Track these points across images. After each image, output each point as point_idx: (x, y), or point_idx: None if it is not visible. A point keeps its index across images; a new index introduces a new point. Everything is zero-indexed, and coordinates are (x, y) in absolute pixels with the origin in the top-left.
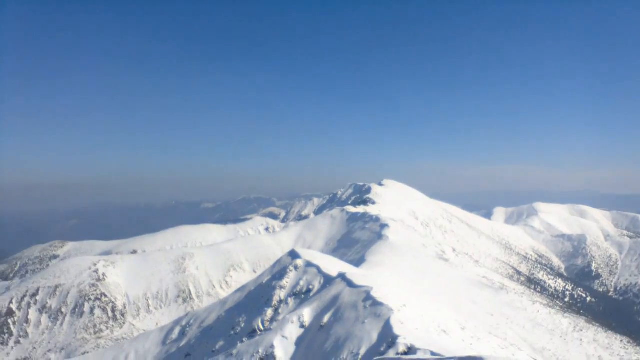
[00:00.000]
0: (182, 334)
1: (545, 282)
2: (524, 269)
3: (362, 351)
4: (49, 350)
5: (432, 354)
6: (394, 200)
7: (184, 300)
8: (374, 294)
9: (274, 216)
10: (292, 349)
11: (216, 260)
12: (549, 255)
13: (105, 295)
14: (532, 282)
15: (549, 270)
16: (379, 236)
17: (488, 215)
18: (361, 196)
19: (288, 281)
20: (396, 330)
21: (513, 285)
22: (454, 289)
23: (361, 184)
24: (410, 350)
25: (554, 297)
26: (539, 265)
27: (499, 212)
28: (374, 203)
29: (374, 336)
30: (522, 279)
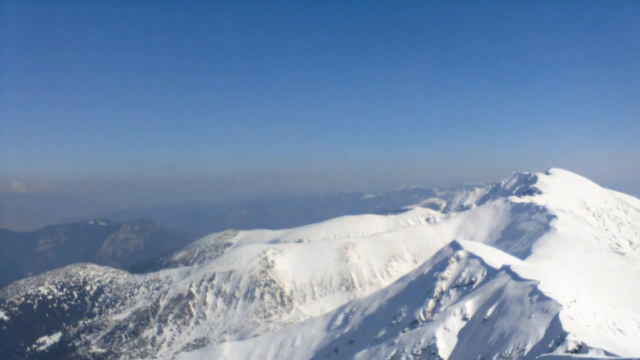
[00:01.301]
0: (346, 321)
1: None
2: None
3: (528, 347)
4: (224, 332)
5: (606, 353)
6: (562, 190)
7: (347, 289)
8: (541, 288)
9: (434, 207)
10: (454, 341)
11: (377, 250)
12: None
13: (274, 282)
14: None
15: None
16: (546, 227)
17: None
18: (526, 186)
19: (450, 272)
20: (565, 326)
21: None
22: (632, 285)
23: (526, 173)
24: (581, 348)
25: None
26: None
27: None
28: (540, 193)
29: (541, 332)
30: None
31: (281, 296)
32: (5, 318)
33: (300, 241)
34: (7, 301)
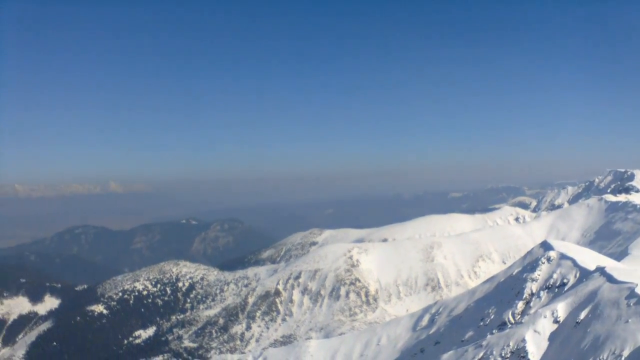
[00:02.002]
0: (432, 321)
1: None
2: None
3: (625, 353)
4: (310, 329)
5: None
6: None
7: (433, 289)
8: (639, 291)
9: (524, 205)
10: (544, 344)
11: (464, 250)
12: None
13: (359, 281)
14: None
15: None
16: None
17: None
18: (622, 183)
19: (540, 274)
20: None
21: None
22: None
23: (622, 170)
24: None
25: None
26: None
27: None
28: (637, 191)
29: None
30: None
31: (366, 295)
32: (105, 312)
33: (385, 240)
34: (106, 296)
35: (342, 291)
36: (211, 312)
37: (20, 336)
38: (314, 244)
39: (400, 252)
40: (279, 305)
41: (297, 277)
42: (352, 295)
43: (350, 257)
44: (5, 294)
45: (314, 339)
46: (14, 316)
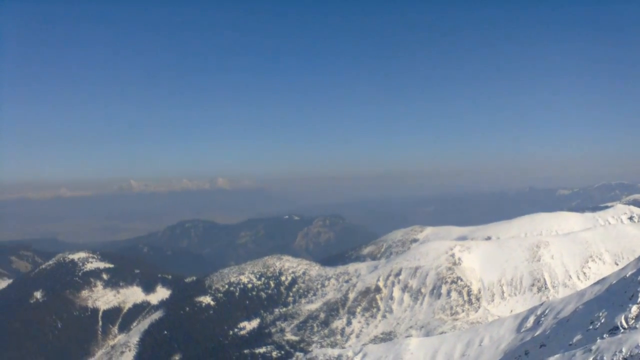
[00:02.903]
0: (537, 323)
1: None
2: None
3: None
4: (410, 327)
5: None
6: None
7: (539, 289)
8: None
9: (639, 204)
10: None
11: (573, 250)
12: None
13: (461, 279)
14: None
15: None
16: None
17: None
18: None
19: None
20: None
21: None
22: None
23: None
24: None
25: None
26: None
27: None
28: None
29: None
30: None
31: (468, 294)
32: (212, 303)
33: (488, 239)
34: (213, 287)
35: (444, 289)
36: (312, 307)
37: (134, 324)
38: (414, 241)
39: (505, 251)
40: (379, 302)
41: (398, 274)
42: (454, 294)
43: (452, 255)
44: (121, 284)
45: (414, 337)
46: (129, 305)
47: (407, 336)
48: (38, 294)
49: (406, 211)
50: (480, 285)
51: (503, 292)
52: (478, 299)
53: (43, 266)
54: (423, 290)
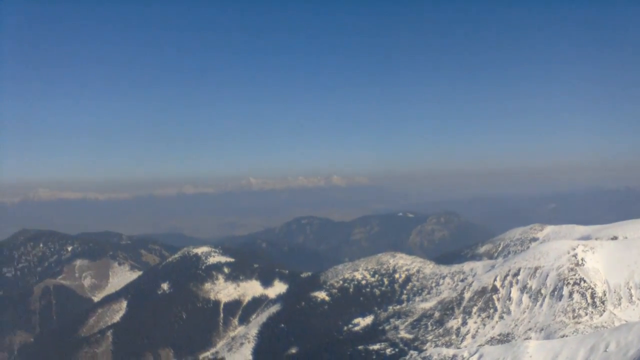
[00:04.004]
0: None
1: None
2: None
3: None
4: (529, 329)
5: None
6: None
7: None
8: None
9: None
10: None
11: None
12: None
13: (584, 281)
14: None
15: None
16: None
17: None
18: None
19: None
20: None
21: None
22: None
23: None
24: None
25: None
26: None
27: None
28: None
29: None
30: None
31: (592, 297)
32: (327, 298)
33: (614, 238)
34: (328, 283)
35: (565, 291)
36: (427, 305)
37: (253, 316)
38: (534, 240)
39: (634, 251)
40: (496, 302)
41: (516, 274)
42: (576, 296)
43: (575, 256)
44: (241, 278)
45: (534, 340)
46: (248, 298)
47: (526, 338)
48: (165, 286)
49: (525, 209)
50: (605, 287)
51: (631, 296)
52: (603, 302)
53: (169, 259)
54: (543, 291)
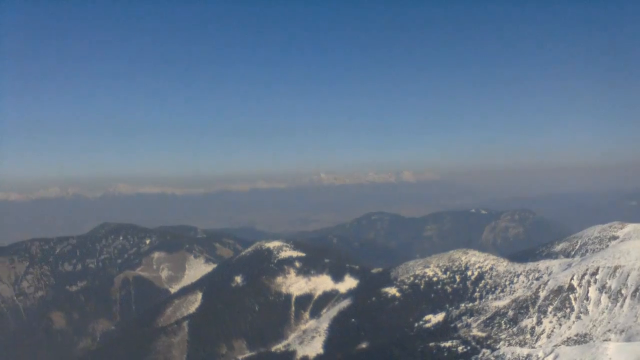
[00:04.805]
0: None
1: None
2: None
3: None
4: (608, 330)
5: None
6: None
7: None
8: None
9: None
10: None
11: None
12: None
13: None
14: None
15: None
16: None
17: None
18: None
19: None
20: None
21: None
22: None
23: None
24: None
25: None
26: None
27: None
28: None
29: None
30: None
31: None
32: (397, 294)
33: None
34: (399, 279)
35: None
36: (500, 303)
37: (324, 310)
38: (614, 238)
39: None
40: (572, 302)
41: (594, 274)
42: None
43: None
44: (312, 272)
45: (613, 342)
46: (319, 292)
47: (605, 340)
48: (238, 279)
49: (604, 206)
50: None
51: None
52: None
53: (243, 253)
54: (624, 291)
